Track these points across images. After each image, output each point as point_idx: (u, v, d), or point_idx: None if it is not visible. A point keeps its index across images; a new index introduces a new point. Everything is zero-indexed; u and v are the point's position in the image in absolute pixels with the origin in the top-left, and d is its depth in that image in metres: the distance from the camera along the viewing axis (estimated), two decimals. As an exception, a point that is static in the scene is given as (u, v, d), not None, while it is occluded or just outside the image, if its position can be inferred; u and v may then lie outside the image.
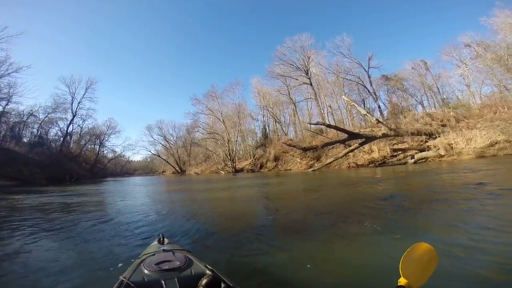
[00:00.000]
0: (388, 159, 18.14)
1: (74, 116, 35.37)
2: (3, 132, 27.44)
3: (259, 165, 32.86)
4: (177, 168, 49.13)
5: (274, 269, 2.28)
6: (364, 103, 30.88)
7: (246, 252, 2.81)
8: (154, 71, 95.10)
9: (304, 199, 6.95)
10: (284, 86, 35.44)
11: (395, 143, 19.41)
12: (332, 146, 22.87)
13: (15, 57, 27.04)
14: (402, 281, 0.94)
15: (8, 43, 22.39)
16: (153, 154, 54.39)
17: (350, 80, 30.83)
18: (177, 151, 50.90)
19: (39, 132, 32.23)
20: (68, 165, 29.88)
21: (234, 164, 35.23)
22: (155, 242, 2.08)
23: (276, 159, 30.41)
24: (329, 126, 22.42)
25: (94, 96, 37.40)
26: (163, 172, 54.75)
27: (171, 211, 5.90)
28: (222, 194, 10.12)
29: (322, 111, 32.06)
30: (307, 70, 32.70)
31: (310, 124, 26.21)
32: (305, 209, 5.29)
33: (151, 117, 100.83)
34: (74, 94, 35.07)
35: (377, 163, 18.18)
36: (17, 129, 29.78)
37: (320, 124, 23.37)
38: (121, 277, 1.34)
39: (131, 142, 53.15)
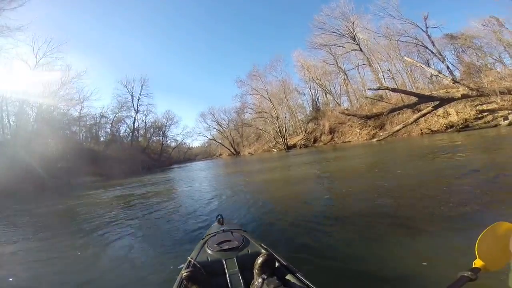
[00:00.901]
0: (472, 122, 15.04)
1: (136, 113, 39.38)
2: (82, 134, 32.12)
3: (312, 140, 31.62)
4: (232, 150, 50.98)
5: (328, 254, 2.17)
6: (428, 65, 26.02)
7: (300, 234, 2.72)
8: (199, 59, 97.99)
9: (368, 177, 5.86)
10: (329, 56, 32.55)
11: (477, 104, 16.00)
12: (397, 112, 20.22)
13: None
14: (477, 262, 0.79)
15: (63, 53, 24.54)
16: (209, 139, 57.64)
17: (406, 42, 26.34)
18: (230, 134, 52.61)
19: (111, 131, 36.67)
20: (139, 157, 33.86)
21: (285, 141, 34.71)
22: (216, 223, 2.17)
23: (331, 131, 28.69)
24: (394, 90, 19.73)
25: (149, 92, 40.95)
26: (220, 155, 57.66)
27: (229, 193, 6.07)
28: (276, 175, 9.74)
29: (378, 76, 28.34)
30: (354, 36, 29.32)
31: (371, 89, 23.49)
32: (371, 190, 4.38)
33: (203, 105, 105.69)
34: (132, 92, 38.85)
35: (458, 127, 15.25)
36: (94, 130, 34.22)
37: (384, 89, 20.74)
38: (188, 258, 1.43)
39: (189, 130, 57.06)
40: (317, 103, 37.21)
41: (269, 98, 37.94)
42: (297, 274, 1.20)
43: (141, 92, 39.71)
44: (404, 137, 18.07)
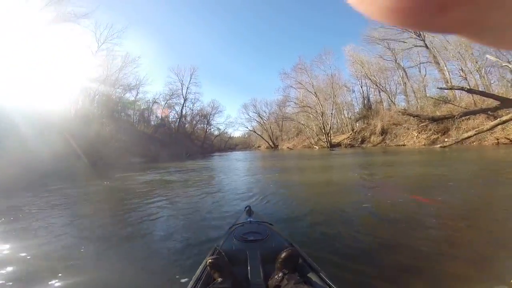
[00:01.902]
0: None
1: (185, 100, 41.37)
2: (135, 117, 34.52)
3: (360, 139, 29.11)
4: (271, 143, 50.73)
5: (358, 261, 1.98)
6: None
7: (329, 236, 2.57)
8: (245, 50, 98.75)
9: (428, 192, 4.50)
10: (386, 52, 29.40)
11: None
12: (467, 117, 17.14)
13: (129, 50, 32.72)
14: None
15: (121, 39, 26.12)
16: (249, 130, 58.19)
17: None
18: (270, 127, 52.41)
19: (161, 116, 39.11)
20: (184, 143, 35.52)
21: (329, 139, 32.66)
22: (244, 213, 2.17)
23: (383, 132, 25.90)
24: (470, 91, 16.68)
25: (197, 81, 42.65)
26: (258, 147, 57.95)
27: (261, 186, 6.00)
28: (314, 173, 8.84)
29: (445, 75, 24.37)
30: (419, 32, 25.10)
31: (442, 88, 20.37)
32: (429, 211, 3.33)
33: (246, 96, 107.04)
34: (182, 81, 40.87)
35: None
36: (146, 114, 36.85)
37: (457, 89, 17.78)
38: (215, 245, 1.49)
39: (231, 120, 58.44)
40: (369, 101, 34.01)
41: (315, 93, 35.92)
42: (320, 273, 1.16)
43: (190, 80, 41.52)
44: (474, 146, 15.23)
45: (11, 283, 1.89)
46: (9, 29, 15.54)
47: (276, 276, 1.13)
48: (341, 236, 2.54)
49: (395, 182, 5.77)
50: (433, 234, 2.54)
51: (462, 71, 23.51)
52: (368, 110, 32.35)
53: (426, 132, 21.52)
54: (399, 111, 23.57)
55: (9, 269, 2.12)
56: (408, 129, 23.90)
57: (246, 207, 2.29)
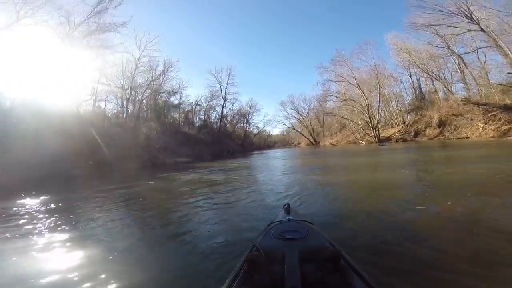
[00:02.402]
0: None
1: (224, 101, 42.42)
2: (180, 120, 36.34)
3: (413, 133, 26.19)
4: (311, 140, 49.26)
5: (406, 266, 1.84)
6: None
7: (374, 238, 2.40)
8: (278, 48, 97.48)
9: (503, 196, 3.53)
10: (436, 38, 25.88)
11: None
12: None
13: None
14: None
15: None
16: (288, 127, 57.38)
17: None
18: (310, 123, 50.90)
19: (204, 117, 40.89)
20: (225, 142, 36.54)
21: (377, 133, 30.05)
22: (282, 211, 2.10)
23: (441, 124, 22.79)
24: None
25: (234, 81, 43.51)
26: (298, 144, 56.76)
27: (301, 184, 5.81)
28: (360, 171, 8.05)
29: (511, 58, 20.30)
30: (470, 15, 22.10)
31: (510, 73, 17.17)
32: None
33: (283, 93, 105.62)
34: (221, 82, 41.84)
35: None
36: (190, 116, 38.69)
37: None
38: (253, 242, 1.46)
39: (270, 118, 58.22)
40: (421, 91, 30.28)
41: (358, 85, 33.34)
42: (364, 276, 1.11)
43: (228, 81, 42.40)
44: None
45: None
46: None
47: (315, 276, 1.09)
48: (387, 240, 2.35)
49: (458, 183, 4.71)
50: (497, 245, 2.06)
51: None
52: (421, 101, 28.86)
53: (494, 122, 18.36)
54: (462, 100, 20.49)
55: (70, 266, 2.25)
56: (471, 119, 20.75)
57: (284, 205, 2.19)
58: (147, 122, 23.04)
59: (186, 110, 37.90)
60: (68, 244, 2.82)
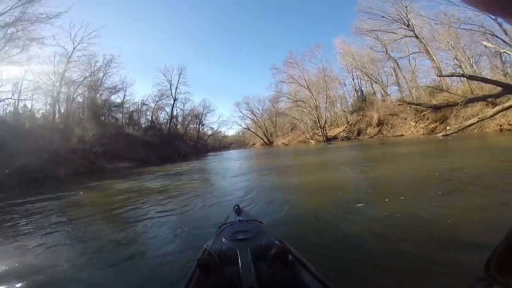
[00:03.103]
0: None
1: (175, 100, 40.02)
2: (124, 120, 32.94)
3: (356, 132, 28.62)
4: (265, 140, 50.19)
5: (348, 257, 1.99)
6: (501, 56, 21.21)
7: (321, 234, 2.51)
8: (232, 49, 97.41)
9: (437, 188, 3.77)
10: (376, 43, 29.11)
11: None
12: (465, 105, 17.01)
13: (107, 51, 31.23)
14: None
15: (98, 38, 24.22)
16: (243, 128, 57.47)
17: (470, 30, 21.86)
18: (264, 124, 51.84)
19: (151, 118, 37.78)
20: (176, 144, 34.51)
21: (325, 132, 32.08)
22: (233, 213, 2.12)
23: (379, 123, 25.42)
24: (472, 77, 16.54)
25: (186, 81, 41.62)
26: (253, 144, 57.30)
27: (253, 185, 5.82)
28: (310, 171, 8.18)
29: (438, 64, 24.21)
30: (408, 22, 25.53)
31: (442, 76, 20.23)
32: (441, 210, 2.87)
33: (238, 94, 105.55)
34: (171, 81, 39.55)
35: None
36: (135, 116, 35.43)
37: (458, 76, 17.71)
38: (204, 246, 1.45)
39: (224, 119, 57.49)
40: (362, 93, 33.55)
41: (307, 86, 35.25)
42: (311, 268, 1.18)
43: (179, 80, 40.29)
44: (475, 134, 14.78)
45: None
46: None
47: (266, 273, 1.13)
48: (330, 236, 2.45)
49: (394, 180, 4.97)
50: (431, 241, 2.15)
51: (456, 59, 23.08)
52: (362, 102, 31.85)
53: (424, 121, 21.13)
54: (399, 101, 23.24)
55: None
56: (405, 119, 23.56)
57: (234, 206, 2.21)
58: (81, 123, 19.97)
59: (130, 110, 34.57)
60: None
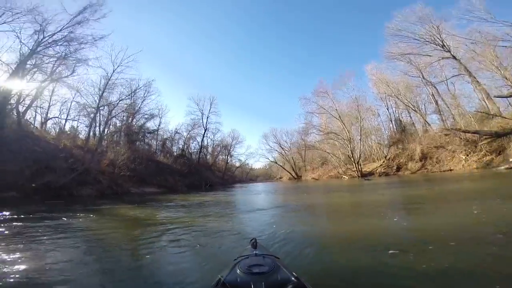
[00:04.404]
0: None
1: (205, 130, 41.13)
2: (157, 147, 34.27)
3: (395, 167, 25.99)
4: (293, 174, 48.28)
5: None
6: None
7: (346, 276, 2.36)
8: (259, 78, 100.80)
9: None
10: (410, 68, 27.32)
11: None
12: None
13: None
14: None
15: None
16: (270, 161, 56.48)
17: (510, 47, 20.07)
18: (292, 157, 50.40)
19: (182, 147, 38.58)
20: (204, 174, 34.45)
21: (359, 167, 29.68)
22: (249, 246, 2.12)
23: (422, 157, 22.83)
24: None
25: (217, 110, 42.57)
26: (280, 178, 55.52)
27: (275, 222, 5.47)
28: (343, 218, 6.37)
29: (482, 86, 21.85)
30: (442, 42, 23.88)
31: (499, 97, 17.93)
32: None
33: (266, 124, 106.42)
34: (202, 110, 41.00)
35: None
36: (168, 144, 36.55)
37: None
38: (219, 276, 1.47)
39: (252, 151, 57.44)
40: (401, 123, 31.23)
41: (339, 117, 33.90)
42: None
43: (210, 110, 41.60)
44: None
45: None
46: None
47: None
48: (355, 277, 2.29)
49: (445, 229, 3.69)
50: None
51: (507, 79, 20.53)
52: (401, 133, 29.38)
53: (476, 153, 18.47)
54: (445, 130, 20.94)
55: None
56: (453, 151, 20.90)
57: (251, 240, 2.17)
58: (115, 146, 20.86)
59: (164, 137, 36.06)
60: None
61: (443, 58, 24.42)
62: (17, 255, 3.18)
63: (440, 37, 24.10)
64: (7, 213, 6.05)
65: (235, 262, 1.65)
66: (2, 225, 4.70)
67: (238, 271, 1.48)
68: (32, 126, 18.56)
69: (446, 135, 21.24)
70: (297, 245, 3.45)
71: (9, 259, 3.01)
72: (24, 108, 17.32)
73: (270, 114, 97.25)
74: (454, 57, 23.36)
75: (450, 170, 19.57)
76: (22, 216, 5.90)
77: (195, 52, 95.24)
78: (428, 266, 2.38)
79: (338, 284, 2.12)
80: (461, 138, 19.58)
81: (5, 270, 2.68)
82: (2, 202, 8.11)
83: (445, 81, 25.77)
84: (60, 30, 16.99)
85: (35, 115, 21.10)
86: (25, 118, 17.49)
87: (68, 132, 20.65)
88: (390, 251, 2.83)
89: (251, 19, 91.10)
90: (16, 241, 3.87)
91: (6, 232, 4.18)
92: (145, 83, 26.60)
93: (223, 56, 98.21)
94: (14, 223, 4.80)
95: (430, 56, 25.30)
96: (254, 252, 1.84)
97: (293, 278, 1.37)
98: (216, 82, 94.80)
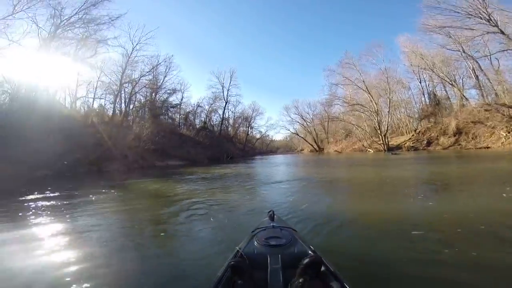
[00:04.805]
0: None
1: (226, 103, 41.04)
2: (180, 121, 34.93)
3: (425, 141, 24.32)
4: (315, 146, 47.62)
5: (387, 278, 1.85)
6: None
7: (363, 249, 2.38)
8: (283, 48, 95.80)
9: None
10: (449, 41, 24.27)
11: None
12: None
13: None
14: None
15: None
16: (291, 132, 55.66)
17: None
18: (314, 129, 49.23)
19: (204, 119, 38.97)
20: (225, 146, 35.07)
21: (386, 140, 28.22)
22: (267, 218, 2.13)
23: (457, 132, 20.99)
24: None
25: (237, 83, 42.08)
26: (301, 150, 55.18)
27: (295, 196, 5.36)
28: (365, 194, 5.73)
29: None
30: (488, 16, 20.72)
31: None
32: None
33: (287, 98, 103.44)
34: (223, 83, 40.60)
35: None
36: (191, 117, 37.06)
37: None
38: (237, 248, 1.49)
39: (272, 122, 56.76)
40: (435, 97, 28.49)
41: (367, 89, 31.68)
42: (344, 282, 1.14)
43: (230, 82, 41.13)
44: None
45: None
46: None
47: (296, 282, 1.11)
48: (374, 254, 2.23)
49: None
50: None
51: None
52: (435, 106, 26.94)
53: (519, 130, 16.57)
54: (490, 104, 18.88)
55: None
56: (493, 127, 18.95)
57: (269, 212, 2.18)
58: (140, 120, 21.60)
59: (186, 111, 36.66)
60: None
61: (488, 32, 21.36)
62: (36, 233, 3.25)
63: (486, 11, 20.81)
64: (37, 193, 6.41)
65: (252, 234, 1.67)
66: (28, 204, 4.98)
67: (255, 243, 1.49)
68: (62, 105, 19.60)
69: (486, 110, 19.54)
70: (313, 220, 3.36)
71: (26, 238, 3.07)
72: (53, 90, 18.25)
73: (292, 88, 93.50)
74: (502, 32, 20.35)
75: (487, 147, 18.06)
76: (50, 194, 6.28)
77: (213, 34, 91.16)
78: (452, 251, 2.21)
79: (353, 263, 2.07)
80: (504, 114, 17.60)
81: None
82: (35, 181, 8.82)
83: (489, 56, 22.94)
84: (76, 12, 16.93)
85: (65, 96, 22.30)
86: (56, 99, 18.49)
87: (97, 110, 21.63)
88: (413, 232, 2.67)
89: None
90: (36, 220, 3.90)
91: (28, 212, 4.35)
92: (165, 58, 26.60)
93: (244, 28, 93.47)
94: (39, 203, 5.13)
95: (473, 30, 22.15)
96: (272, 224, 1.83)
97: (310, 251, 1.38)
98: (236, 55, 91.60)
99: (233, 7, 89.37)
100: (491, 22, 20.98)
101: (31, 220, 3.87)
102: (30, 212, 4.32)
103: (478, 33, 22.07)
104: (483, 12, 21.12)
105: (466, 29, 22.85)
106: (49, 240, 2.98)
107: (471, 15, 21.94)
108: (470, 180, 6.57)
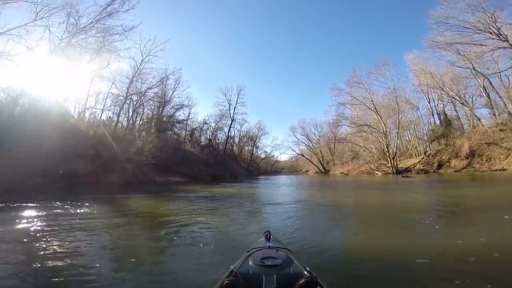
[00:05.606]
0: None
1: (232, 121, 41.24)
2: (186, 137, 35.01)
3: (436, 164, 23.30)
4: (320, 168, 46.59)
5: None
6: None
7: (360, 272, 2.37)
8: (289, 70, 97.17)
9: None
10: (458, 58, 24.04)
11: None
12: None
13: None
14: None
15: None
16: (297, 153, 54.98)
17: None
18: (320, 151, 48.53)
19: (210, 137, 39.13)
20: (229, 164, 34.58)
21: (395, 163, 27.21)
22: (262, 238, 2.12)
23: (469, 154, 20.13)
24: None
25: (244, 101, 42.40)
26: (306, 171, 54.01)
27: (291, 217, 5.29)
28: (371, 225, 5.04)
29: None
30: (498, 31, 20.64)
31: None
32: None
33: (293, 118, 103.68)
34: (230, 101, 41.02)
35: None
36: (196, 134, 37.35)
37: None
38: (231, 267, 1.49)
39: (278, 143, 56.47)
40: (446, 117, 27.80)
41: (375, 109, 31.17)
42: None
43: (237, 100, 41.52)
44: None
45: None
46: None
47: None
48: (375, 281, 2.19)
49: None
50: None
51: None
52: (446, 127, 26.12)
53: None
54: (505, 124, 18.34)
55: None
56: (508, 149, 18.16)
57: (265, 232, 2.18)
58: (144, 134, 21.47)
59: (192, 127, 36.77)
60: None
61: (498, 48, 21.16)
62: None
63: (495, 25, 20.83)
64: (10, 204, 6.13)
65: (248, 254, 1.65)
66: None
67: (250, 262, 1.49)
68: (69, 114, 19.75)
69: (501, 130, 18.93)
70: (312, 245, 3.24)
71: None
72: (62, 98, 18.51)
73: (297, 109, 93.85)
74: (512, 46, 20.06)
75: (503, 169, 17.22)
76: (23, 204, 5.94)
77: (220, 47, 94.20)
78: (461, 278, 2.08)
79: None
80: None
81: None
82: (23, 189, 8.45)
83: (498, 74, 22.56)
84: (91, 22, 17.55)
85: (74, 105, 22.59)
86: (63, 107, 18.71)
87: (105, 121, 21.71)
88: (417, 260, 2.56)
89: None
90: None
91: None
92: (173, 71, 27.04)
93: (249, 52, 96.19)
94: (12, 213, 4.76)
95: (483, 45, 22.07)
96: (267, 244, 1.83)
97: (305, 272, 1.37)
98: (242, 77, 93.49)
99: (239, 32, 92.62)
100: (501, 37, 20.80)
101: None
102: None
103: (488, 49, 21.84)
104: (492, 26, 21.01)
105: (475, 45, 22.64)
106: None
107: (480, 30, 21.82)
108: (483, 203, 6.20)
